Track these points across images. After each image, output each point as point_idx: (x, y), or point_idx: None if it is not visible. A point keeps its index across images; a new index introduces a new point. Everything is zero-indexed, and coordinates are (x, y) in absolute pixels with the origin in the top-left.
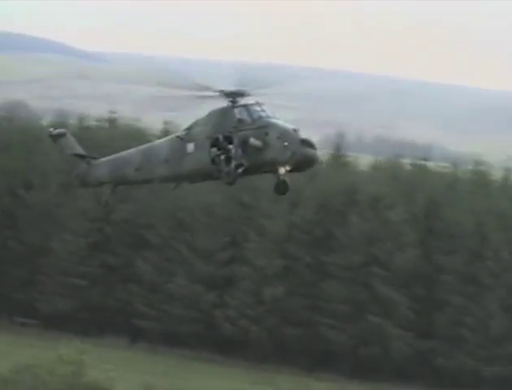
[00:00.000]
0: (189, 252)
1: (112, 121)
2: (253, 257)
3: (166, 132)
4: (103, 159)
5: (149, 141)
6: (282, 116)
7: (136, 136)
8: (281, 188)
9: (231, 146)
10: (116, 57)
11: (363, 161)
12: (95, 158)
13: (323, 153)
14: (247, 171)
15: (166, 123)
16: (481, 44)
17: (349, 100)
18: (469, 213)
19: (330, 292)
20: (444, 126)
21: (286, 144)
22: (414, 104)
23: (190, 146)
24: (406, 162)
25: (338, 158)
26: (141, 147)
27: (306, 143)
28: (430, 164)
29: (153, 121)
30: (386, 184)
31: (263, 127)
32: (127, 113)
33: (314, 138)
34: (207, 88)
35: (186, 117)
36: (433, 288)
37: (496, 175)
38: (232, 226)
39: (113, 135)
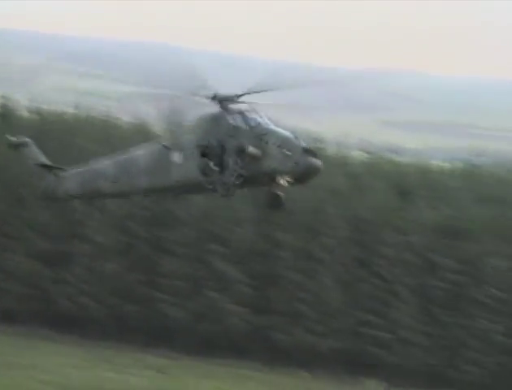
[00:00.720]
0: (27, 228)
1: None
2: (93, 233)
3: (3, 107)
4: (73, 171)
5: None
6: (117, 91)
7: None
8: (274, 202)
9: (225, 155)
10: None
11: None
12: (63, 170)
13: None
14: (243, 183)
15: (3, 97)
16: (312, 20)
17: (177, 74)
18: (305, 189)
19: (168, 269)
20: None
21: (288, 153)
22: (248, 78)
23: (177, 156)
24: None
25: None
26: (118, 157)
27: (309, 152)
28: None
29: None
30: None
31: (262, 135)
32: None
33: (149, 111)
34: (196, 92)
35: (24, 92)
36: (270, 264)
37: (333, 151)
38: (71, 202)
39: None
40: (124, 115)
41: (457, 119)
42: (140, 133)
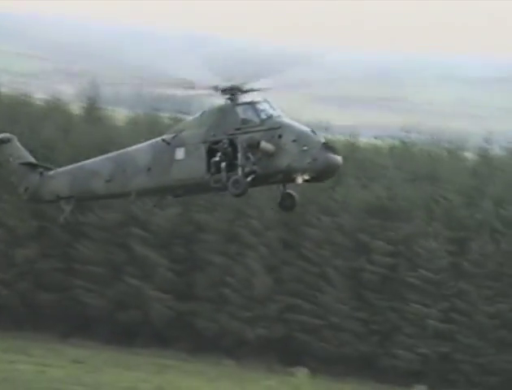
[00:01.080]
0: None
1: None
2: (5, 217)
3: None
4: (61, 169)
5: None
6: (31, 66)
7: None
8: (287, 202)
9: (235, 151)
10: None
11: (120, 115)
12: (49, 168)
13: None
14: (255, 181)
15: None
16: None
17: (105, 50)
18: None
19: (86, 254)
20: (209, 79)
21: (305, 148)
22: (177, 52)
23: (180, 152)
24: (165, 116)
25: (93, 112)
26: (113, 154)
27: (329, 147)
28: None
29: None
30: (144, 139)
31: (275, 129)
32: None
33: (68, 90)
34: (199, 85)
35: None
36: (193, 247)
37: None
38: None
39: None
40: (38, 93)
41: (389, 94)
42: (54, 111)
